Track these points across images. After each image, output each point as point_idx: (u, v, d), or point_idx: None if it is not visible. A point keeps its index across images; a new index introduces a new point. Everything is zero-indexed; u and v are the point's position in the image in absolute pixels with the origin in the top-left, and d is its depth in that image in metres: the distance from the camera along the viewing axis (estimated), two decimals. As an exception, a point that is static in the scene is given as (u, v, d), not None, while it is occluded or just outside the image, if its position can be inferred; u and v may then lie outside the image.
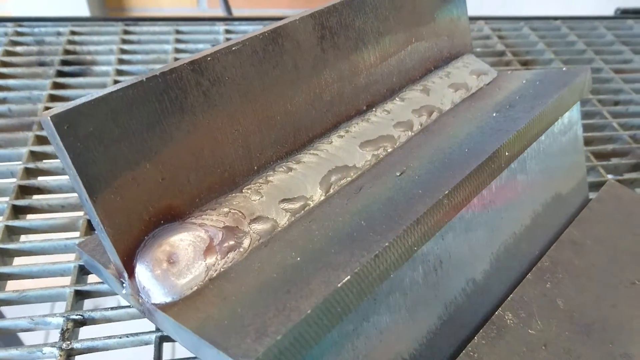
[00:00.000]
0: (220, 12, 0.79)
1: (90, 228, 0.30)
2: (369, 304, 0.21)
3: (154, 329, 0.25)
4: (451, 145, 0.26)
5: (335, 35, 0.26)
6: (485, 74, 0.33)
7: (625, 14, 0.61)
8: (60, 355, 0.24)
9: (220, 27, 0.49)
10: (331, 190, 0.24)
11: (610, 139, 0.41)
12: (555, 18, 0.57)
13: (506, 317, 0.25)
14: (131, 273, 0.20)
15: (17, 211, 0.31)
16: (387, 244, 0.19)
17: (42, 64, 0.42)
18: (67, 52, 0.44)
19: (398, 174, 0.24)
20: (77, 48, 0.44)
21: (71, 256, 0.29)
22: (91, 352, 0.25)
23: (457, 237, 0.24)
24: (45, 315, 0.25)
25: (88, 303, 0.28)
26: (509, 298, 0.26)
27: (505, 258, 0.27)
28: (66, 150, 0.18)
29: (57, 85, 0.40)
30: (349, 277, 0.18)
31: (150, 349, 0.25)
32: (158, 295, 0.20)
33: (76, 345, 0.24)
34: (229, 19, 0.52)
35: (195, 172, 0.22)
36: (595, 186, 0.36)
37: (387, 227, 0.20)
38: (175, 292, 0.20)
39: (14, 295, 0.27)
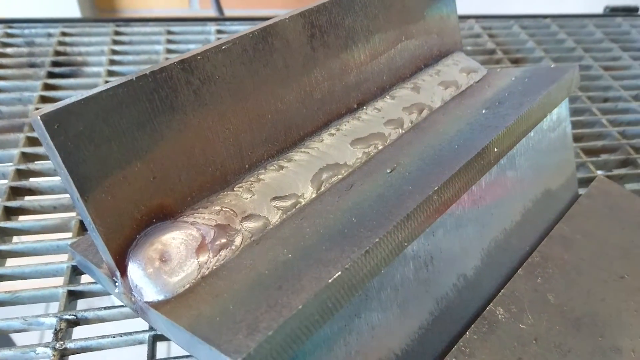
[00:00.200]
0: (212, 12, 0.79)
1: (82, 228, 0.30)
2: (361, 300, 0.21)
3: (148, 328, 0.25)
4: (441, 142, 0.26)
5: (325, 33, 0.26)
6: (475, 72, 0.33)
7: (614, 11, 0.61)
8: (54, 355, 0.24)
9: (212, 27, 0.49)
10: (322, 188, 0.24)
11: (600, 136, 0.41)
12: (545, 16, 0.58)
13: (497, 312, 0.26)
14: (123, 272, 0.20)
15: (9, 212, 0.31)
16: (377, 240, 0.19)
17: (32, 65, 0.42)
18: (57, 53, 0.44)
19: (388, 171, 0.24)
20: (68, 49, 0.44)
21: (64, 257, 0.29)
22: (85, 352, 0.25)
23: (448, 233, 0.25)
24: (39, 316, 0.25)
25: (81, 303, 0.28)
26: (500, 293, 0.26)
27: (496, 254, 0.27)
28: (57, 149, 0.18)
29: (47, 87, 0.40)
30: (339, 273, 0.18)
31: (144, 348, 0.25)
32: (150, 293, 0.20)
33: (70, 345, 0.24)
34: (221, 19, 0.52)
35: (187, 171, 0.22)
36: (585, 182, 0.36)
37: (378, 223, 0.20)
38: (168, 290, 0.20)
39: (6, 296, 0.27)
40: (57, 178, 0.32)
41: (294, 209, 0.23)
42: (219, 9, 0.74)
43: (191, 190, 0.22)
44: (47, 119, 0.18)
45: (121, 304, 0.25)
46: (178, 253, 0.20)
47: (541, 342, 0.25)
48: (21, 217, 0.32)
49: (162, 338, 0.25)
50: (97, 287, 0.27)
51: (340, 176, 0.25)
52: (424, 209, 0.21)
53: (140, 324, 0.24)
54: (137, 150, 0.20)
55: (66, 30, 0.47)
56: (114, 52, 0.45)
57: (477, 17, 0.56)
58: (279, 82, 0.24)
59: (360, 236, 0.20)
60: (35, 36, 0.46)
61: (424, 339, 0.24)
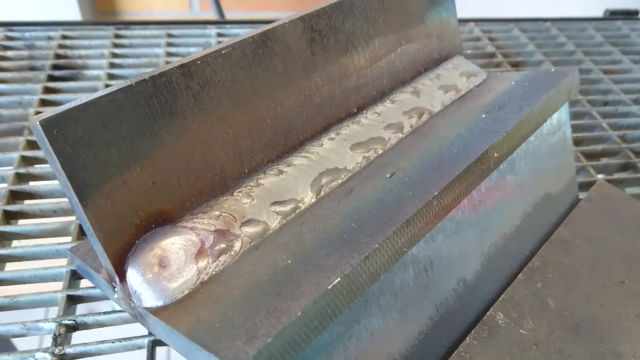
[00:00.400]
0: (212, 15, 0.79)
1: (82, 233, 0.30)
2: (360, 306, 0.21)
3: (147, 333, 0.25)
4: (441, 146, 0.26)
5: (325, 38, 0.26)
6: (475, 76, 0.33)
7: (614, 15, 0.61)
8: (52, 361, 0.24)
9: (212, 30, 0.49)
10: (322, 193, 0.24)
11: (600, 139, 0.41)
12: (545, 20, 0.58)
13: (497, 317, 0.25)
14: (122, 277, 0.20)
15: (9, 216, 0.31)
16: (376, 246, 0.19)
17: (32, 68, 0.42)
18: (58, 56, 0.44)
19: (388, 176, 0.24)
20: (68, 52, 0.44)
21: (63, 261, 0.29)
22: (84, 357, 0.25)
23: (448, 238, 0.25)
24: (38, 321, 0.25)
25: (81, 307, 0.28)
26: (500, 298, 0.26)
27: (496, 258, 0.27)
28: (56, 155, 0.18)
29: (48, 90, 0.40)
30: (339, 279, 0.18)
31: (143, 353, 0.25)
32: (149, 299, 0.20)
33: (69, 350, 0.24)
34: (221, 22, 0.52)
35: (186, 176, 0.22)
36: (586, 186, 0.36)
37: (377, 228, 0.20)
38: (167, 296, 0.20)
39: (5, 301, 0.27)
40: (57, 182, 0.32)
41: (293, 214, 0.23)
42: (220, 11, 0.75)
43: (190, 195, 0.22)
44: (46, 125, 0.18)
45: (120, 308, 0.25)
46: (177, 259, 0.20)
47: (541, 347, 0.25)
48: (21, 221, 0.32)
49: (162, 343, 0.25)
50: (97, 291, 0.27)
51: (339, 181, 0.25)
52: (423, 215, 0.21)
53: (139, 329, 0.23)
54: (137, 156, 0.20)
55: (67, 33, 0.47)
56: (114, 55, 0.45)
57: (477, 21, 0.56)
58: (278, 87, 0.24)
59: (359, 242, 0.20)
60: (35, 39, 0.46)
61: (424, 345, 0.24)
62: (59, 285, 0.28)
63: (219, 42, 0.48)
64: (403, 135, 0.28)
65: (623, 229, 0.31)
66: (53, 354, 0.24)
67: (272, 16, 0.98)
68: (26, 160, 0.34)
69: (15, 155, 0.34)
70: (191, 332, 0.18)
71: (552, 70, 0.32)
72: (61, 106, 0.18)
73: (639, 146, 0.40)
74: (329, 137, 0.27)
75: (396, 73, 0.30)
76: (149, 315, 0.19)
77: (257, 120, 0.24)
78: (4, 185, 0.32)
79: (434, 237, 0.24)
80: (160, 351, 0.26)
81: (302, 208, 0.23)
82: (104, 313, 0.26)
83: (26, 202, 0.32)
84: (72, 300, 0.27)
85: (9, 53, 0.43)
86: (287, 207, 0.23)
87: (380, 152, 0.27)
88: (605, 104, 0.45)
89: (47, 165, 0.34)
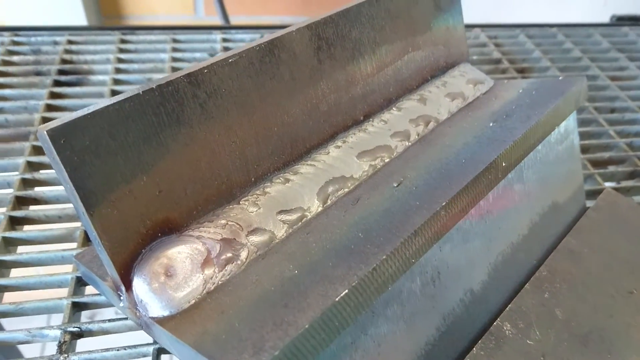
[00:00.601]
0: (217, 19, 0.79)
1: (87, 239, 0.30)
2: (367, 317, 0.21)
3: (152, 342, 0.25)
4: (448, 155, 0.26)
5: (332, 46, 0.26)
6: (482, 83, 0.33)
7: (620, 21, 0.61)
8: (57, 369, 0.24)
9: (217, 35, 0.50)
10: (328, 202, 0.24)
11: (607, 147, 0.41)
12: (551, 25, 0.58)
13: (504, 328, 0.25)
14: (128, 286, 0.20)
15: (14, 222, 0.31)
16: (384, 257, 0.19)
17: (38, 73, 0.42)
18: (63, 61, 0.44)
19: (395, 185, 0.24)
20: (74, 57, 0.44)
21: (68, 267, 0.29)
22: (88, 365, 0.25)
23: (455, 248, 0.24)
24: (42, 328, 0.25)
25: (85, 312, 0.28)
26: (507, 308, 0.26)
27: (503, 268, 0.27)
28: (63, 164, 0.18)
29: (53, 95, 0.40)
30: (346, 290, 0.18)
31: (147, 362, 0.25)
32: (155, 308, 0.20)
33: (73, 357, 0.24)
34: (226, 27, 0.52)
35: (193, 184, 0.22)
36: (593, 194, 0.36)
37: (385, 239, 0.20)
38: (173, 306, 0.19)
39: (11, 307, 0.26)
40: (62, 187, 0.32)
41: (299, 223, 0.23)
42: (225, 16, 0.75)
43: (197, 203, 0.22)
44: (53, 134, 0.17)
45: (125, 316, 0.25)
46: (183, 268, 0.20)
47: (549, 358, 0.24)
48: (26, 227, 0.32)
49: (166, 351, 0.25)
50: (102, 298, 0.27)
51: (346, 189, 0.25)
52: (431, 225, 0.21)
53: (144, 336, 0.23)
54: (143, 164, 0.20)
55: (72, 38, 0.47)
56: (120, 61, 0.45)
57: (483, 26, 0.56)
58: (285, 95, 0.24)
59: (367, 252, 0.19)
60: (41, 44, 0.46)
61: (431, 355, 0.23)
62: (63, 291, 0.27)
63: (224, 48, 0.48)
64: (410, 144, 0.28)
65: (631, 238, 0.31)
66: (58, 361, 0.24)
67: (277, 21, 0.98)
68: (32, 166, 0.34)
69: (20, 161, 0.34)
70: (197, 343, 0.17)
71: (560, 78, 0.32)
72: (68, 115, 0.18)
73: (646, 154, 0.40)
74: (336, 145, 0.26)
75: (403, 80, 0.30)
76: (155, 324, 0.19)
77: (264, 129, 0.24)
78: (10, 190, 0.32)
79: (442, 247, 0.24)
80: (165, 359, 0.26)
81: (309, 217, 0.23)
82: (109, 320, 0.26)
83: (31, 207, 0.32)
84: (77, 307, 0.27)
85: (15, 58, 0.44)
86: (294, 216, 0.23)
87: (386, 160, 0.27)
88: (612, 111, 0.45)
89: (53, 170, 0.34)
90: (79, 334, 0.26)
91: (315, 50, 0.25)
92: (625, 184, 0.38)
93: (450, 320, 0.24)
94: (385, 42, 0.29)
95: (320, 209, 0.24)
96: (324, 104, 0.26)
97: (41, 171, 0.34)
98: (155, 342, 0.25)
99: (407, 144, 0.28)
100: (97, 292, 0.26)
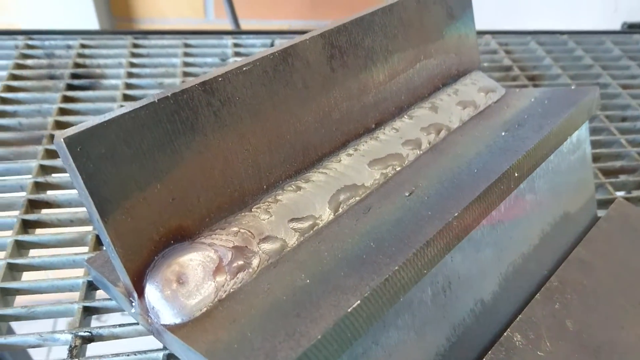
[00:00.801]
0: (227, 22, 0.79)
1: (99, 243, 0.30)
2: (378, 327, 0.21)
3: (162, 347, 0.25)
4: (460, 165, 0.26)
5: (345, 54, 0.26)
6: (493, 91, 0.33)
7: (632, 28, 0.61)
8: (68, 373, 0.24)
9: (229, 40, 0.50)
10: (340, 210, 0.24)
11: (619, 156, 0.41)
12: (562, 32, 0.58)
13: (515, 339, 0.25)
14: (141, 293, 0.20)
15: (27, 225, 0.31)
16: (396, 268, 0.19)
17: (52, 77, 0.43)
18: (77, 65, 0.44)
19: (407, 194, 0.24)
20: (87, 61, 0.45)
21: (80, 271, 0.29)
22: (99, 369, 0.25)
23: (466, 257, 0.24)
24: (54, 332, 0.26)
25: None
26: (517, 319, 0.26)
27: (514, 278, 0.27)
28: (79, 171, 0.18)
29: (66, 99, 0.41)
30: (359, 301, 0.18)
31: (157, 367, 0.25)
32: (167, 316, 0.20)
33: (84, 362, 0.24)
34: (237, 32, 0.52)
35: (206, 192, 0.22)
36: (604, 203, 0.35)
37: (397, 249, 0.20)
38: (185, 314, 0.20)
39: (22, 311, 0.27)
40: (75, 191, 0.32)
41: (311, 231, 0.23)
42: (235, 19, 0.75)
43: (209, 211, 0.22)
44: (70, 142, 0.18)
45: (135, 321, 0.25)
46: (195, 275, 0.20)
47: (559, 370, 0.24)
48: (38, 230, 0.32)
49: (177, 358, 0.25)
50: (113, 303, 0.27)
51: (357, 198, 0.25)
52: (443, 236, 0.21)
53: (154, 342, 0.23)
54: (157, 172, 0.20)
55: (85, 42, 0.47)
56: (132, 65, 0.45)
57: (494, 33, 0.56)
58: (298, 103, 0.24)
59: (379, 263, 0.19)
60: (55, 48, 0.46)
61: (441, 366, 0.23)
62: (74, 295, 0.28)
63: (235, 53, 0.48)
64: (421, 152, 0.28)
65: (643, 250, 0.31)
66: (69, 366, 0.24)
67: (286, 25, 0.98)
68: (44, 169, 0.35)
69: (33, 164, 0.34)
70: (209, 351, 0.18)
71: (572, 87, 0.32)
72: (84, 123, 0.18)
73: (658, 163, 0.40)
74: (347, 153, 0.27)
75: (414, 88, 0.30)
76: (167, 332, 0.19)
77: (277, 137, 0.24)
78: (23, 194, 0.33)
79: (453, 257, 0.24)
80: (174, 365, 0.26)
81: (320, 225, 0.23)
82: (120, 325, 0.26)
83: (44, 211, 0.33)
84: (88, 312, 0.27)
85: (29, 62, 0.44)
86: (305, 224, 0.23)
87: (398, 169, 0.27)
88: (624, 119, 0.45)
89: (65, 174, 0.34)
90: (90, 339, 0.26)
91: (328, 59, 0.25)
92: (636, 193, 0.38)
93: (461, 330, 0.24)
94: (398, 50, 0.29)
95: (331, 217, 0.24)
96: (336, 112, 0.26)
97: (54, 175, 0.35)
98: (165, 348, 0.25)
99: (418, 152, 0.28)
100: (108, 296, 0.26)
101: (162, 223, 0.20)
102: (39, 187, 0.34)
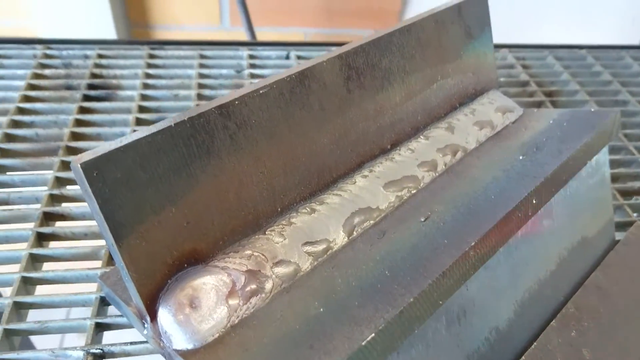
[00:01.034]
0: (242, 29, 0.79)
1: (112, 258, 0.30)
2: (392, 357, 0.20)
3: (173, 367, 0.25)
4: (476, 189, 0.25)
5: (362, 75, 0.26)
6: (511, 111, 0.33)
7: (652, 43, 0.60)
8: (79, 391, 0.24)
9: (244, 52, 0.50)
10: (354, 234, 0.24)
11: (637, 176, 0.40)
12: (581, 47, 0.57)
13: (530, 368, 0.25)
14: (153, 317, 0.20)
15: (41, 238, 0.31)
16: (412, 300, 0.19)
17: (69, 87, 0.43)
18: (94, 75, 0.45)
19: (422, 220, 0.24)
20: (104, 72, 0.45)
21: (93, 286, 0.29)
22: (110, 388, 0.25)
23: (482, 285, 0.24)
24: (66, 349, 0.26)
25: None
26: (532, 347, 0.25)
27: (530, 305, 0.27)
28: (94, 196, 0.18)
29: (83, 110, 0.41)
30: (373, 334, 0.18)
31: (168, 387, 0.25)
32: (180, 341, 0.20)
33: (95, 380, 0.24)
34: (253, 43, 0.52)
35: (220, 215, 0.22)
36: (622, 226, 0.35)
37: (412, 279, 0.20)
38: (197, 339, 0.19)
39: (35, 326, 0.27)
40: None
41: (325, 255, 0.23)
42: (250, 28, 0.75)
43: (223, 234, 0.22)
44: (86, 167, 0.18)
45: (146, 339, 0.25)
46: (208, 299, 0.20)
47: (576, 401, 0.24)
48: (52, 244, 0.32)
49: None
50: (125, 320, 0.27)
51: (372, 221, 0.25)
52: (460, 266, 0.21)
53: (165, 362, 0.23)
54: (172, 196, 0.20)
55: (102, 52, 0.47)
56: (148, 76, 0.45)
57: (511, 47, 0.56)
58: (314, 125, 0.24)
59: (394, 293, 0.19)
60: (72, 58, 0.46)
61: (454, 395, 0.23)
62: (87, 310, 0.28)
63: (251, 64, 0.48)
64: (437, 174, 0.27)
65: (662, 276, 0.30)
66: (80, 384, 0.24)
67: (302, 32, 0.99)
68: (60, 182, 0.35)
69: (49, 176, 0.35)
70: (222, 381, 0.17)
71: (592, 110, 0.31)
72: (100, 147, 0.18)
73: (678, 185, 0.39)
74: (362, 175, 0.26)
75: (431, 109, 0.30)
76: (179, 358, 0.19)
77: (292, 159, 0.24)
78: (38, 206, 0.33)
79: (468, 286, 0.23)
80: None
81: (334, 249, 0.23)
82: (131, 343, 0.26)
83: (58, 224, 0.33)
84: (100, 328, 0.27)
85: (47, 71, 0.44)
86: (319, 248, 0.23)
87: (413, 191, 0.26)
88: (643, 138, 0.44)
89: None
90: (101, 356, 0.26)
91: (345, 80, 0.25)
92: (655, 216, 0.37)
93: (475, 359, 0.24)
94: (415, 70, 0.29)
95: (345, 240, 0.24)
96: (352, 134, 0.26)
97: (68, 187, 0.35)
98: (176, 368, 0.25)
99: (434, 174, 0.27)
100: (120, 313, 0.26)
101: (176, 247, 0.20)
102: (54, 199, 0.34)
